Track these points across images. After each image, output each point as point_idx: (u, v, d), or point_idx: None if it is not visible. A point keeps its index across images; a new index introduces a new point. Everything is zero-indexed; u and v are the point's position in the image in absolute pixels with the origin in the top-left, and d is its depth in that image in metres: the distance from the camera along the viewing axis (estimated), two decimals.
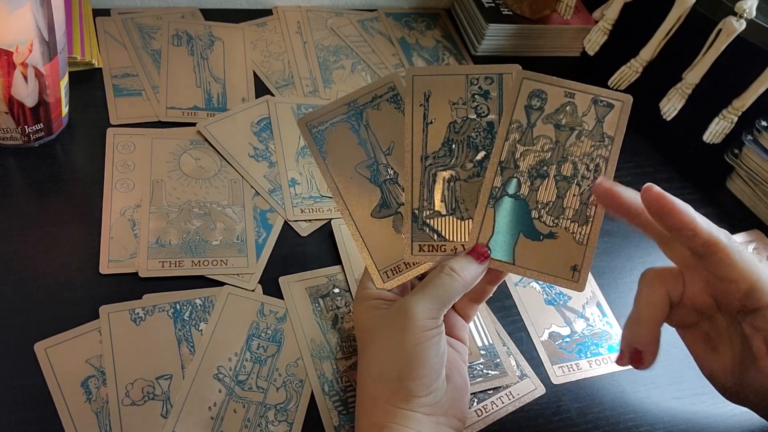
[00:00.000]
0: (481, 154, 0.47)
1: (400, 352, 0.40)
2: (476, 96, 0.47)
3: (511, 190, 0.46)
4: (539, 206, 0.46)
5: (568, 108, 0.47)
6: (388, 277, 0.46)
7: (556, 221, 0.46)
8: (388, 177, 0.47)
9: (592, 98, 0.47)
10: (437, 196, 0.46)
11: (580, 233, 0.46)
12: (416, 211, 0.46)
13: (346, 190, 0.47)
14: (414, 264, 0.46)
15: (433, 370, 0.41)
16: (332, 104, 0.48)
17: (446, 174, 0.46)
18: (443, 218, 0.46)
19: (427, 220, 0.46)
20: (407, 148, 0.47)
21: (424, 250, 0.46)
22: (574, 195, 0.46)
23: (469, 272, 0.43)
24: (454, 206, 0.46)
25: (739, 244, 0.40)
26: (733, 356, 0.41)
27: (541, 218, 0.46)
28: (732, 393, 0.42)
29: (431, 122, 0.47)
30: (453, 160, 0.46)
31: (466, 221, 0.46)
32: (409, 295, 0.42)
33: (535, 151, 0.47)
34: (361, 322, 0.44)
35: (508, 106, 0.47)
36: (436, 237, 0.46)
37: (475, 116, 0.47)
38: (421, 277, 0.45)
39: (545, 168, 0.46)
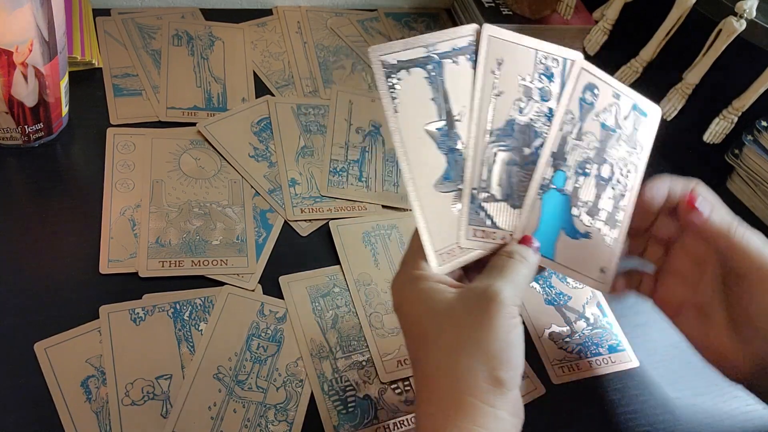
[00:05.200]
0: (538, 141, 0.44)
1: (492, 342, 0.36)
2: (542, 76, 0.44)
3: (559, 184, 0.44)
4: (579, 204, 0.45)
5: (613, 108, 0.46)
6: (443, 261, 0.41)
7: (591, 221, 0.45)
8: (455, 146, 0.42)
9: (633, 104, 0.46)
10: (495, 179, 0.42)
11: (610, 236, 0.46)
12: (474, 192, 0.42)
13: (414, 151, 0.41)
14: (466, 249, 0.42)
15: (522, 360, 0.38)
16: (408, 41, 0.41)
17: (506, 156, 0.43)
18: (498, 204, 0.43)
19: (484, 204, 0.42)
20: (473, 117, 0.42)
21: (477, 236, 0.42)
22: (609, 198, 0.46)
23: (534, 261, 0.41)
24: (509, 192, 0.43)
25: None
26: (727, 316, 0.45)
27: (579, 216, 0.45)
28: (738, 371, 0.44)
29: (499, 95, 0.43)
30: (513, 142, 0.43)
31: (515, 210, 0.43)
32: (489, 280, 0.39)
33: (582, 147, 0.45)
34: (421, 307, 0.39)
35: (566, 95, 0.44)
36: (489, 223, 0.42)
37: (538, 99, 0.44)
38: (477, 265, 0.42)
39: (588, 166, 0.45)
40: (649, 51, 0.69)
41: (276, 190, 0.60)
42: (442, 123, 0.41)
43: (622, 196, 0.47)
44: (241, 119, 0.65)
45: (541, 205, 0.43)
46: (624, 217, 0.47)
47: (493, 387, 0.36)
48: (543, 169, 0.44)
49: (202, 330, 0.50)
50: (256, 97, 0.67)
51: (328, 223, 0.59)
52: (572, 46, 0.76)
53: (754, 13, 0.61)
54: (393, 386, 0.50)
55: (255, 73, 0.70)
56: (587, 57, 0.76)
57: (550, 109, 0.44)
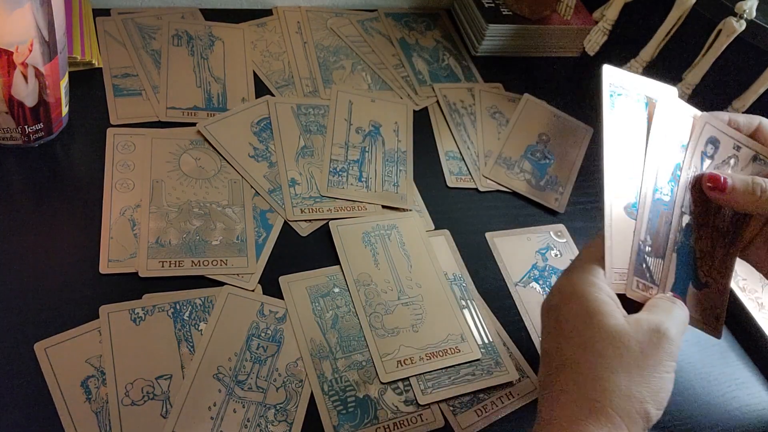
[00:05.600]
0: (687, 198, 0.46)
1: (655, 375, 0.38)
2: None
3: (687, 237, 0.45)
4: (700, 255, 0.46)
5: (732, 161, 0.47)
6: (613, 281, 0.42)
7: (708, 271, 0.46)
8: (643, 181, 0.44)
9: (753, 155, 0.47)
10: (657, 235, 0.44)
11: (721, 283, 0.47)
12: (641, 244, 0.43)
13: (618, 168, 0.43)
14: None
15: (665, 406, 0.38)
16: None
17: (665, 214, 0.45)
18: (655, 260, 0.44)
19: (647, 257, 0.43)
20: (649, 171, 0.44)
21: (639, 288, 0.43)
22: (720, 247, 0.47)
23: (687, 315, 0.42)
24: (664, 249, 0.44)
25: None
26: None
27: (701, 268, 0.46)
28: None
29: (664, 152, 0.45)
30: (670, 200, 0.45)
31: (662, 263, 0.44)
32: (658, 317, 0.40)
33: (697, 199, 0.46)
34: (590, 316, 0.39)
35: (690, 149, 0.46)
36: (648, 276, 0.43)
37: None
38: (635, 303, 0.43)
39: (707, 217, 0.46)
40: (649, 51, 0.69)
41: (276, 190, 0.60)
42: (639, 156, 0.44)
43: (732, 243, 0.47)
44: (241, 119, 0.65)
45: (675, 258, 0.45)
46: (732, 263, 0.47)
47: (639, 417, 0.37)
48: (679, 222, 0.45)
49: (202, 330, 0.50)
50: (256, 97, 0.67)
51: (327, 223, 0.59)
52: (572, 46, 0.76)
53: (754, 14, 0.61)
54: (393, 386, 0.50)
55: (255, 73, 0.70)
56: (587, 57, 0.76)
57: (678, 164, 0.45)
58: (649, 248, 0.44)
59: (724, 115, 0.47)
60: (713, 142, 0.47)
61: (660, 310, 0.41)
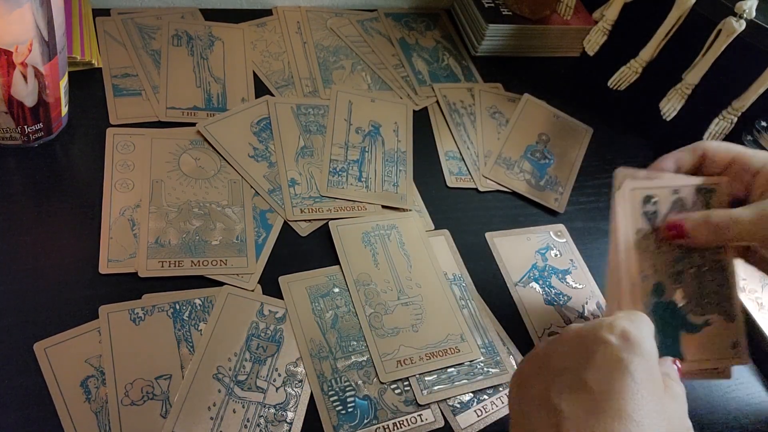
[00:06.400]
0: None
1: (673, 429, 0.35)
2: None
3: (658, 295, 0.47)
4: (686, 301, 0.47)
5: (679, 204, 0.49)
6: None
7: (705, 309, 0.47)
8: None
9: (696, 187, 0.49)
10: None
11: (727, 312, 0.48)
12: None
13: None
14: None
15: None
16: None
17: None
18: None
19: None
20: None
21: None
22: (710, 280, 0.48)
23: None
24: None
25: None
26: None
27: (693, 311, 0.47)
28: None
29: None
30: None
31: None
32: (678, 384, 0.39)
33: (666, 251, 0.48)
34: (639, 353, 0.36)
35: (627, 221, 0.48)
36: None
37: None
38: None
39: (680, 263, 0.47)
40: (649, 51, 0.69)
41: (276, 190, 0.60)
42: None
43: (721, 271, 0.48)
44: (241, 119, 0.65)
45: (653, 318, 0.45)
46: (731, 290, 0.48)
47: None
48: (646, 290, 0.47)
49: (201, 330, 0.50)
50: (256, 97, 0.67)
51: (327, 223, 0.59)
52: (572, 46, 0.77)
53: (754, 14, 0.61)
54: (393, 386, 0.50)
55: (255, 73, 0.70)
56: (587, 57, 0.76)
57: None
58: None
59: (640, 172, 0.49)
60: (648, 200, 0.48)
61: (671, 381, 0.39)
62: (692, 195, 0.48)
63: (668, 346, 0.45)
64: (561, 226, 0.65)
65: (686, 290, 0.47)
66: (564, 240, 0.64)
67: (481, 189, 0.66)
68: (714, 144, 0.48)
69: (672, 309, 0.47)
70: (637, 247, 0.47)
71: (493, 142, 0.70)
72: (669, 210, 0.48)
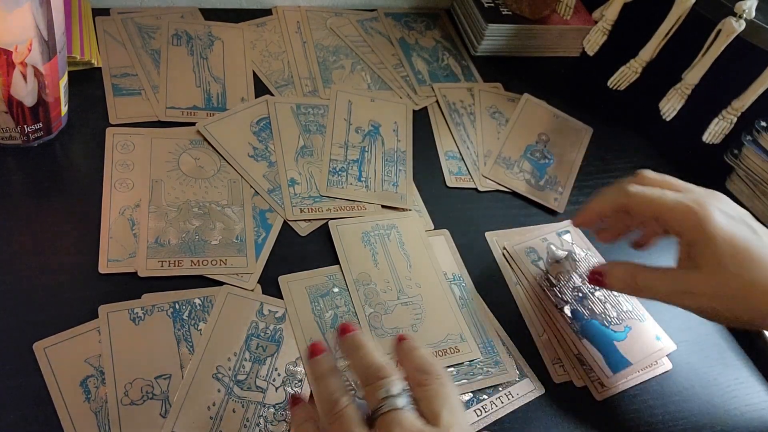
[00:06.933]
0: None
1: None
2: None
3: (580, 318, 0.56)
4: (601, 317, 0.56)
5: (553, 247, 0.61)
6: None
7: (619, 317, 0.57)
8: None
9: (557, 232, 0.62)
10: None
11: (635, 309, 0.58)
12: None
13: None
14: None
15: None
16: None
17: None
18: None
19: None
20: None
21: None
22: (600, 297, 0.58)
23: None
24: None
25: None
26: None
27: (611, 324, 0.56)
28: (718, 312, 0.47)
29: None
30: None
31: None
32: None
33: (566, 285, 0.58)
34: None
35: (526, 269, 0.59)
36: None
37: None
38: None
39: (579, 289, 0.58)
40: (649, 51, 0.69)
41: (275, 190, 0.60)
42: None
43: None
44: (241, 119, 0.65)
45: (589, 342, 0.55)
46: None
47: None
48: (567, 317, 0.56)
49: (201, 330, 0.50)
50: (256, 97, 0.67)
51: (327, 223, 0.59)
52: (572, 46, 0.77)
53: (754, 13, 0.61)
54: None
55: (254, 73, 0.70)
56: (587, 57, 0.76)
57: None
58: None
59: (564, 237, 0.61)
60: (531, 251, 0.60)
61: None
62: (556, 238, 0.62)
63: (614, 359, 0.54)
64: (567, 223, 0.65)
65: (595, 306, 0.57)
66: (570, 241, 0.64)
67: (480, 189, 0.66)
68: (638, 198, 0.49)
69: (596, 327, 0.56)
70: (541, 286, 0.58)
71: (492, 141, 0.70)
72: (548, 255, 0.60)
